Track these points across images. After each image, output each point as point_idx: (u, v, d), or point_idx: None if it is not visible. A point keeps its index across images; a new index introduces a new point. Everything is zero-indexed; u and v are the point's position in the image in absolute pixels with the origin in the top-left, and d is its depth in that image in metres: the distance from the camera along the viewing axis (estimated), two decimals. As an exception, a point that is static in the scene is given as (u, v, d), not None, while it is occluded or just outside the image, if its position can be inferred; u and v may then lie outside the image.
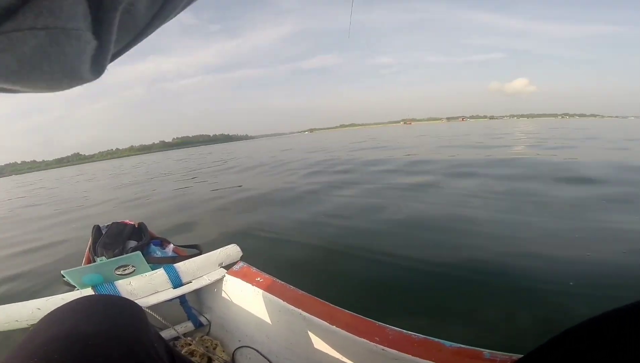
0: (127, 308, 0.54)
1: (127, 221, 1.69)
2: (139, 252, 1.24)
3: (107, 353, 0.44)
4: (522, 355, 0.43)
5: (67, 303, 0.52)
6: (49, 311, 0.50)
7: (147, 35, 0.26)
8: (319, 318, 0.86)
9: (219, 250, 1.30)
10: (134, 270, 1.16)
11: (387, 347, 0.73)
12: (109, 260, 1.20)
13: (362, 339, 0.77)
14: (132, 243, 1.46)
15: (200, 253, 1.37)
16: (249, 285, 1.08)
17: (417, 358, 0.69)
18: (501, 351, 0.67)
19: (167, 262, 1.26)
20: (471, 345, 0.70)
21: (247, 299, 1.09)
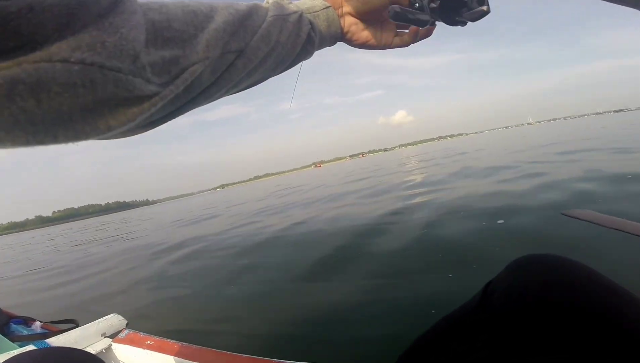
0: (89, 357, 0.54)
1: (-30, 303, 1.45)
2: (-3, 332, 1.12)
3: None
4: None
5: (29, 352, 0.50)
6: (8, 359, 0.47)
7: (193, 106, 0.32)
8: None
9: (98, 320, 1.25)
10: (-3, 349, 1.04)
11: None
12: (-43, 342, 1.05)
13: None
14: (-16, 325, 1.27)
15: (76, 327, 1.29)
16: (140, 350, 1.09)
17: None
18: None
19: (37, 338, 1.16)
20: None
21: None
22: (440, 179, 6.71)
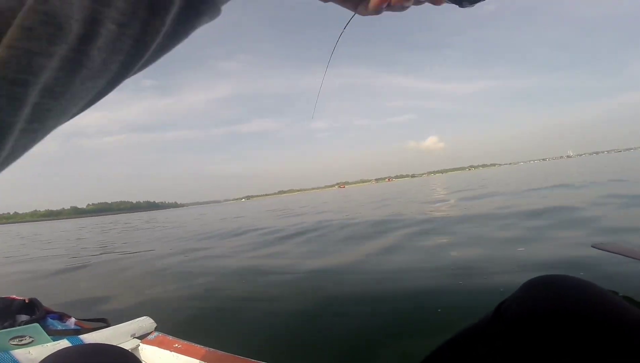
0: (126, 354, 0.56)
1: (13, 296, 1.51)
2: (37, 324, 1.15)
3: None
4: None
5: (74, 347, 0.54)
6: (52, 353, 0.50)
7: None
8: None
9: (129, 322, 1.26)
10: (33, 340, 1.07)
11: None
12: (0, 331, 1.09)
13: None
14: (24, 317, 1.32)
15: (107, 326, 1.30)
16: (167, 352, 1.08)
17: None
18: None
19: (71, 334, 1.18)
20: None
21: None
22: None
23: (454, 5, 0.47)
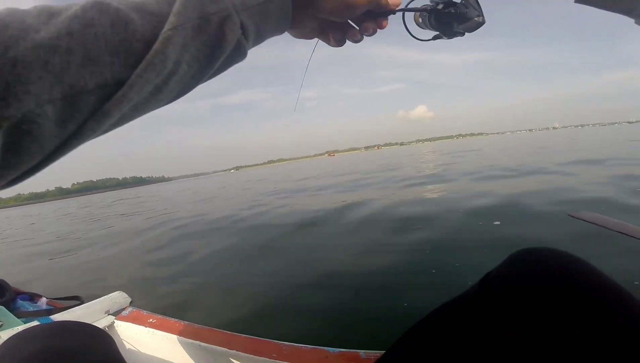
0: (96, 330, 0.56)
1: (-20, 279, 1.47)
2: (1, 307, 1.13)
3: None
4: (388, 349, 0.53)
5: (39, 326, 0.53)
6: (18, 332, 0.50)
7: (61, 156, 0.24)
8: (218, 345, 0.94)
9: (102, 297, 1.26)
10: (2, 324, 1.05)
11: (284, 360, 0.84)
12: (-36, 317, 1.06)
13: (262, 357, 0.86)
14: (-9, 300, 1.29)
15: (81, 303, 1.30)
16: (142, 327, 1.09)
17: None
18: (373, 350, 0.83)
19: (42, 315, 1.17)
20: (350, 349, 0.87)
21: (143, 341, 1.08)
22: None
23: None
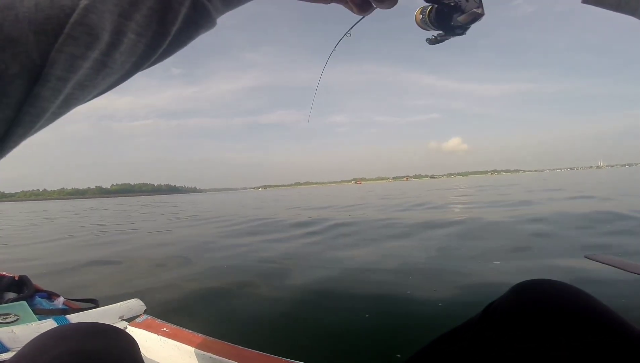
0: (122, 334, 0.56)
1: (3, 272, 1.49)
2: (23, 302, 1.13)
3: None
4: None
5: (66, 326, 0.53)
6: (47, 331, 0.50)
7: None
8: (230, 359, 0.90)
9: (119, 303, 1.25)
10: (18, 319, 1.05)
11: None
12: (-16, 308, 1.07)
13: None
14: (11, 295, 1.30)
15: (96, 307, 1.29)
16: (155, 335, 1.06)
17: None
18: None
19: (58, 314, 1.16)
20: None
21: (154, 349, 1.06)
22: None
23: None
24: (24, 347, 0.49)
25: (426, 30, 0.50)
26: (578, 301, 0.43)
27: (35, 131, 0.25)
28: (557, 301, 0.44)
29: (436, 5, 0.47)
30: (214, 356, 0.92)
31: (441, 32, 0.49)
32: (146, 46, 0.27)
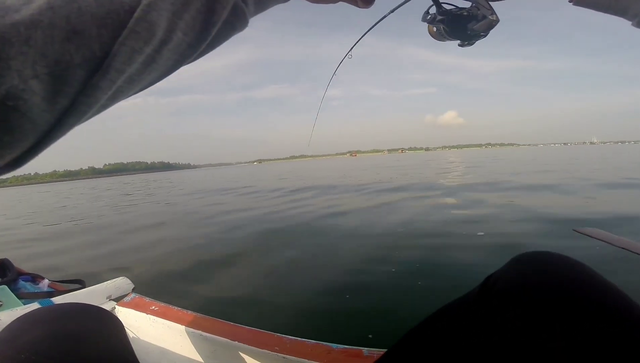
0: (104, 313, 0.55)
1: (-17, 257, 1.45)
2: (4, 286, 1.11)
3: (97, 351, 0.46)
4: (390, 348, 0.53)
5: (44, 308, 0.52)
6: (23, 314, 0.49)
7: (57, 137, 0.24)
8: (221, 336, 0.91)
9: (105, 282, 1.23)
10: (1, 304, 1.03)
11: (287, 354, 0.82)
12: (-36, 295, 1.04)
13: (264, 350, 0.84)
14: (-6, 280, 1.27)
15: (83, 287, 1.27)
16: (144, 315, 1.06)
17: (313, 361, 0.80)
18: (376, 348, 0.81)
19: (43, 297, 1.15)
20: (353, 345, 0.84)
21: (144, 328, 1.06)
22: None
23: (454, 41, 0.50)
24: (1, 331, 0.48)
25: (444, 41, 0.51)
26: (581, 276, 0.42)
27: (82, 122, 0.26)
28: (559, 275, 0.43)
29: (445, 17, 0.47)
30: (204, 334, 0.93)
31: (459, 41, 0.50)
32: (188, 45, 0.29)
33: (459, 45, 0.50)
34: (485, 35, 0.48)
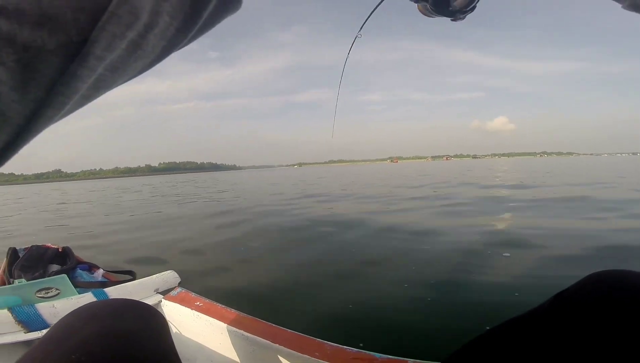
0: (153, 312, 0.56)
1: (49, 244, 1.55)
2: (64, 275, 1.16)
3: (145, 351, 0.47)
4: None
5: (97, 303, 0.53)
6: (76, 309, 0.50)
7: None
8: (261, 337, 0.88)
9: (154, 275, 1.25)
10: (59, 293, 1.08)
11: (327, 360, 0.77)
12: (28, 282, 1.11)
13: (304, 355, 0.80)
14: (55, 267, 1.35)
15: (133, 279, 1.31)
16: (188, 310, 1.06)
17: None
18: (422, 359, 0.74)
19: (96, 287, 1.19)
20: (398, 356, 0.78)
21: (186, 323, 1.06)
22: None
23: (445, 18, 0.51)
24: (51, 327, 0.48)
25: (434, 17, 0.51)
26: None
27: (63, 116, 0.24)
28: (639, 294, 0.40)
29: None
30: (246, 334, 0.90)
31: (446, 17, 0.50)
32: (177, 30, 0.26)
33: (452, 20, 0.51)
34: (472, 10, 0.49)
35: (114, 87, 0.27)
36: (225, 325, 0.95)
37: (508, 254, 2.76)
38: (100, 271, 1.38)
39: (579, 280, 0.47)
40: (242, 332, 0.91)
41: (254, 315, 0.98)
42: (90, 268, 1.39)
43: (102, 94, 0.26)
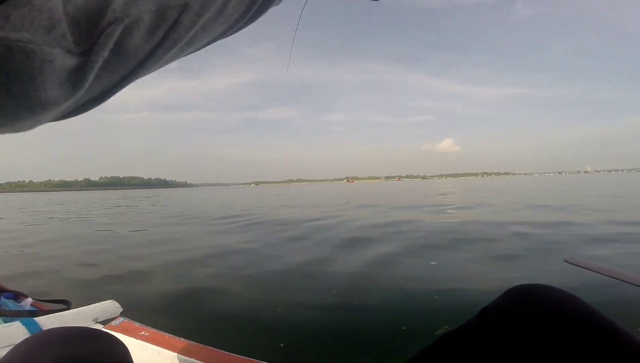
0: (115, 341, 0.54)
1: (-35, 272, 1.39)
2: (-16, 304, 1.05)
3: None
4: None
5: (49, 330, 0.50)
6: (29, 337, 0.47)
7: (144, 71, 0.25)
8: None
9: (92, 305, 1.17)
10: (-19, 321, 0.97)
11: None
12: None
13: None
14: (-26, 296, 1.20)
15: (68, 309, 1.21)
16: (132, 340, 1.00)
17: None
18: None
19: (25, 316, 1.08)
20: None
21: (133, 354, 0.99)
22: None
23: None
24: (4, 356, 0.45)
25: None
26: (575, 308, 0.44)
27: (170, 60, 0.27)
28: (553, 307, 0.45)
29: None
30: (196, 361, 0.88)
31: None
32: (246, 7, 0.29)
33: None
34: None
35: (199, 48, 0.30)
36: (175, 354, 0.92)
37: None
38: (29, 300, 1.25)
39: (500, 295, 0.51)
40: (192, 360, 0.89)
41: (205, 343, 0.96)
42: (17, 296, 1.26)
43: (188, 54, 0.29)
